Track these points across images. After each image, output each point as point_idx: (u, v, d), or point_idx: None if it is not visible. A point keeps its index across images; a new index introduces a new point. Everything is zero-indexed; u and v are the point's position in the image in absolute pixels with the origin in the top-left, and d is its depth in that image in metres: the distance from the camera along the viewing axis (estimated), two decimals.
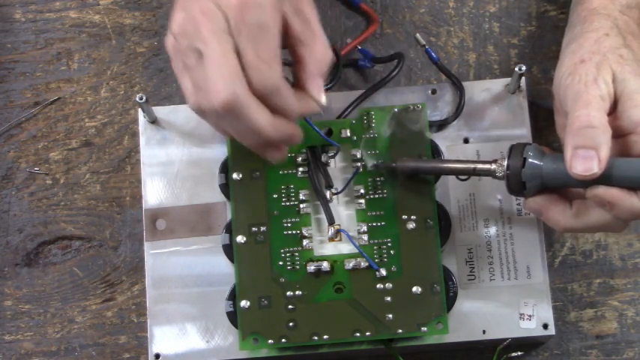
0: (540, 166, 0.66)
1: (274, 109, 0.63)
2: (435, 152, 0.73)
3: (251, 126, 0.63)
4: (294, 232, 0.72)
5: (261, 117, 0.63)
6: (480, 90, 0.76)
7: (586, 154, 0.62)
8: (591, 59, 0.66)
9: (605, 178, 0.63)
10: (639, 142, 0.64)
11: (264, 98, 0.62)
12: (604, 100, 0.64)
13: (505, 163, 0.67)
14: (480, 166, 0.69)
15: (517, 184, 0.67)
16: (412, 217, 0.72)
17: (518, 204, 0.73)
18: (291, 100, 0.63)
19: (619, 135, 0.65)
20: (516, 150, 0.67)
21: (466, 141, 0.75)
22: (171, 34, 0.64)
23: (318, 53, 0.64)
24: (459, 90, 0.75)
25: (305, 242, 0.72)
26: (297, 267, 0.72)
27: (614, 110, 0.66)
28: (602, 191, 0.63)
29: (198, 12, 0.62)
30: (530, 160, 0.66)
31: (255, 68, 0.61)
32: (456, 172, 0.71)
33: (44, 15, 0.83)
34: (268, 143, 0.65)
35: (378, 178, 0.73)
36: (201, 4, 0.62)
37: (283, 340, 0.71)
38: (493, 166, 0.68)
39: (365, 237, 0.72)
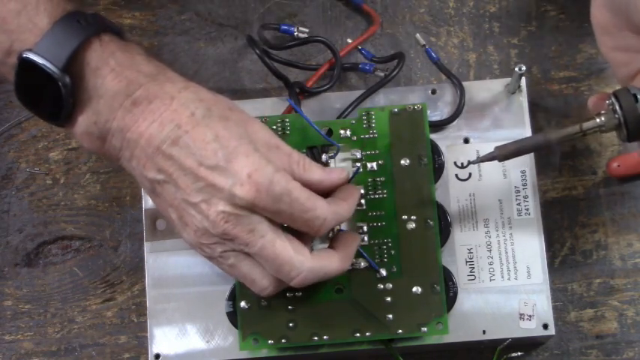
0: None
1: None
2: (435, 152, 0.73)
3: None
4: None
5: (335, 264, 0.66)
6: (479, 90, 0.76)
7: None
8: None
9: None
10: None
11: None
12: None
13: (616, 108, 0.63)
14: (585, 124, 0.65)
15: (638, 124, 0.62)
16: (412, 217, 0.72)
17: (518, 204, 0.73)
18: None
19: None
20: (622, 92, 0.63)
21: (466, 141, 0.75)
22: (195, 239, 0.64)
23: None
24: (459, 90, 0.75)
25: None
26: None
27: None
28: None
29: (221, 221, 0.62)
30: None
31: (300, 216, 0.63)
32: (563, 140, 0.65)
33: None
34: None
35: (378, 178, 0.73)
36: (216, 209, 0.62)
37: (283, 341, 0.71)
38: (601, 119, 0.64)
39: (365, 237, 0.72)
